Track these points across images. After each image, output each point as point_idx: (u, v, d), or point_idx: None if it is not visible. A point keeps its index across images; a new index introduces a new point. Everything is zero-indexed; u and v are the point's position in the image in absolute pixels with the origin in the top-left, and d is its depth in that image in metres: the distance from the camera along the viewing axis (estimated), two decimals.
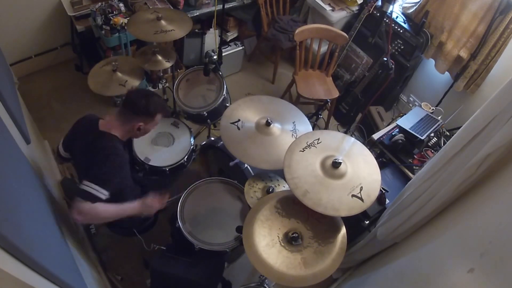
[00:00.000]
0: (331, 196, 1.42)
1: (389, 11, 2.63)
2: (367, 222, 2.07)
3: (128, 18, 2.61)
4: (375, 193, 1.46)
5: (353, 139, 1.66)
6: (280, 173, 1.91)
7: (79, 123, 1.71)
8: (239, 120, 1.81)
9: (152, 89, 3.20)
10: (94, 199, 1.46)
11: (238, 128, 1.79)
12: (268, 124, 1.78)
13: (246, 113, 1.85)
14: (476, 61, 2.58)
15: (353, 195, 1.43)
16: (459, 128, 1.45)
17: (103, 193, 1.48)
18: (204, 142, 2.35)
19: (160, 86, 3.11)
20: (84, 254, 1.98)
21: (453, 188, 1.37)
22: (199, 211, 1.94)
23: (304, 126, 1.86)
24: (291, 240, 1.43)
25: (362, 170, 1.52)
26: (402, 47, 2.93)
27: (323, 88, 2.97)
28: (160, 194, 1.75)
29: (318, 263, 1.40)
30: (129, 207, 1.64)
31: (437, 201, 1.46)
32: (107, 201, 1.51)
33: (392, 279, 1.73)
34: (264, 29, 3.28)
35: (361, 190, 1.45)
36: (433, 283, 1.34)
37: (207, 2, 2.94)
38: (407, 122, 2.30)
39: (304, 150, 1.55)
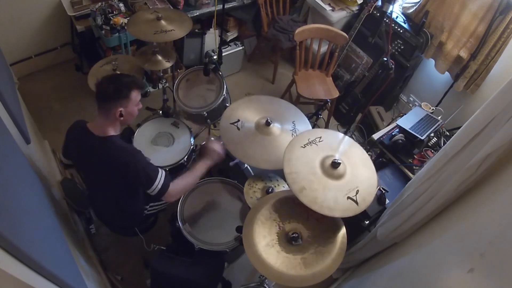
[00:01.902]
0: (327, 196, 1.42)
1: (389, 11, 2.63)
2: (367, 222, 2.07)
3: (128, 18, 2.61)
4: (370, 198, 1.45)
5: (354, 141, 1.65)
6: (279, 173, 1.91)
7: (70, 134, 1.72)
8: (238, 120, 1.81)
9: (152, 89, 3.21)
10: (166, 185, 1.64)
11: (238, 129, 1.79)
12: (268, 124, 1.78)
13: (245, 113, 1.85)
14: (476, 61, 2.58)
15: (348, 197, 1.43)
16: (459, 128, 1.44)
17: (162, 176, 1.63)
18: (204, 142, 2.34)
19: (160, 86, 3.11)
20: (84, 254, 1.97)
21: (453, 188, 1.37)
22: (199, 211, 1.94)
23: (304, 125, 1.86)
24: (291, 240, 1.43)
25: (361, 173, 1.52)
26: (402, 47, 2.93)
27: (323, 88, 2.97)
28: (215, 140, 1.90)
29: (318, 263, 1.39)
30: (200, 167, 1.80)
31: (437, 201, 1.46)
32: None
33: (392, 279, 1.73)
34: (264, 29, 3.28)
35: (357, 193, 1.44)
36: (433, 283, 1.34)
37: (207, 2, 2.94)
38: (407, 122, 2.30)
39: (305, 146, 1.54)
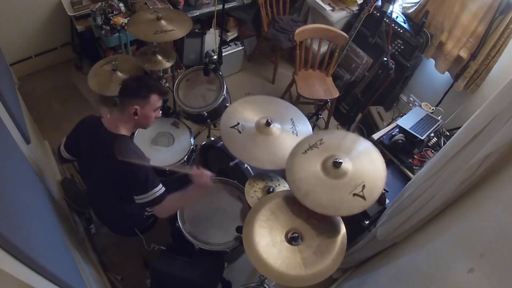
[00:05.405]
0: (332, 196, 1.42)
1: (389, 11, 2.64)
2: (367, 222, 2.07)
3: (128, 18, 2.61)
4: (379, 191, 1.44)
5: (357, 136, 1.63)
6: (280, 173, 1.91)
7: (82, 126, 1.71)
8: (238, 123, 1.81)
9: None
10: (160, 199, 1.59)
11: (239, 132, 1.79)
12: (268, 124, 1.78)
13: (244, 116, 1.84)
14: (476, 61, 2.58)
15: (354, 194, 1.42)
16: (459, 128, 1.44)
17: (159, 190, 1.58)
18: (204, 142, 2.34)
19: None
20: (84, 254, 1.97)
21: (453, 188, 1.37)
22: (199, 211, 1.94)
23: (302, 122, 1.86)
24: (291, 240, 1.43)
25: (366, 167, 1.50)
26: (402, 47, 2.93)
27: (323, 88, 2.97)
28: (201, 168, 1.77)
29: (318, 263, 1.40)
30: (191, 191, 1.70)
31: (437, 201, 1.46)
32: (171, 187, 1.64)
33: (392, 279, 1.73)
34: (264, 29, 3.28)
35: (363, 188, 1.43)
36: (433, 283, 1.34)
37: (207, 2, 2.94)
38: (407, 122, 2.30)
39: (306, 152, 1.55)
